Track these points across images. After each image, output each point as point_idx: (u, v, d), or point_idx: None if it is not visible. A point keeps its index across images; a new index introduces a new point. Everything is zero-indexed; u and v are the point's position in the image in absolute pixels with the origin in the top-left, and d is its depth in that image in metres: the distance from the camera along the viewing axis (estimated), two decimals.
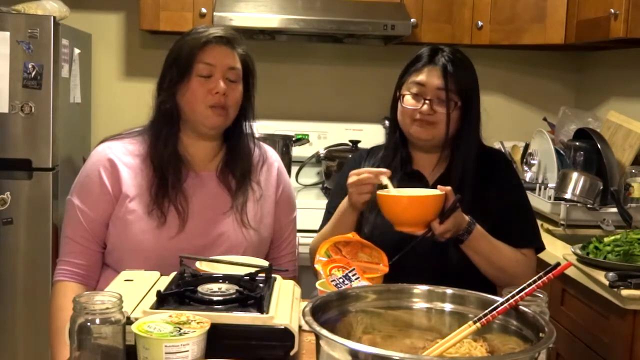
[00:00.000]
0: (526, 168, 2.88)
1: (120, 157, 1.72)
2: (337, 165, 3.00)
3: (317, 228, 1.89)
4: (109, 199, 1.69)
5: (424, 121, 1.73)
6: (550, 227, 2.50)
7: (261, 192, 1.79)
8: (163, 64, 1.74)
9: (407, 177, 1.80)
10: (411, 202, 1.58)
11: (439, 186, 1.61)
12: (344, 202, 1.73)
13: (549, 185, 2.65)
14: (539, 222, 2.20)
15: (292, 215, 1.91)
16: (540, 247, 1.84)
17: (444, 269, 1.64)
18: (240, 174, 1.76)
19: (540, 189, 2.70)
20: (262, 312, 1.24)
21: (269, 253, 1.84)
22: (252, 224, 1.74)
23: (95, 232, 1.70)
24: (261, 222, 1.78)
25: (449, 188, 1.59)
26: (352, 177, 1.66)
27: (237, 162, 1.77)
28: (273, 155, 1.89)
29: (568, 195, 2.50)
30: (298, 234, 2.54)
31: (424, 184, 1.79)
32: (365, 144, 2.02)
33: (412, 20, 2.97)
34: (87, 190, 1.71)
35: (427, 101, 1.72)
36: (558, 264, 1.16)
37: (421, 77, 1.74)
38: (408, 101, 1.75)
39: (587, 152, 2.66)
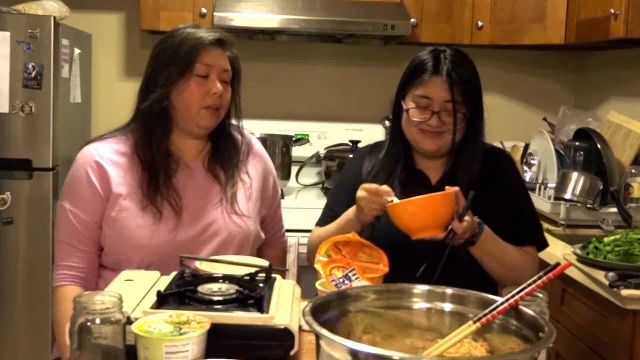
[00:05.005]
0: (526, 168, 2.88)
1: (107, 157, 1.72)
2: (337, 165, 3.00)
3: None
4: (100, 199, 1.69)
5: (433, 132, 1.73)
6: (550, 227, 2.50)
7: (249, 181, 1.82)
8: (152, 61, 1.73)
9: (410, 177, 1.80)
10: (418, 205, 1.56)
11: (446, 187, 1.59)
12: (350, 212, 1.72)
13: (549, 185, 2.65)
14: None
15: (279, 196, 1.97)
16: (544, 244, 1.85)
17: (452, 270, 1.63)
18: (228, 165, 1.79)
19: (540, 189, 2.70)
20: (262, 312, 1.24)
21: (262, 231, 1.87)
22: (244, 212, 1.76)
23: (90, 234, 1.70)
24: (252, 210, 1.79)
25: (456, 188, 1.58)
26: (362, 192, 1.65)
27: (223, 155, 1.80)
28: (257, 144, 1.92)
29: (568, 195, 2.50)
30: (298, 234, 2.56)
31: (427, 183, 1.79)
32: (365, 144, 2.02)
33: (412, 20, 2.97)
34: (76, 193, 1.71)
35: (435, 114, 1.71)
36: (558, 264, 1.17)
37: (427, 90, 1.72)
38: (415, 114, 1.73)
39: (587, 152, 2.66)
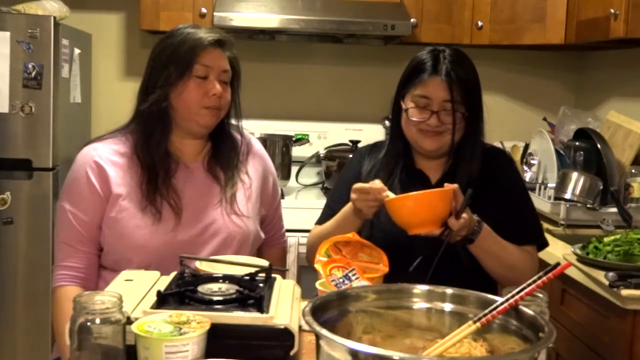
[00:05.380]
0: (526, 168, 2.88)
1: (107, 157, 1.72)
2: (337, 165, 3.00)
3: None
4: (99, 200, 1.69)
5: (432, 132, 1.73)
6: (550, 227, 2.50)
7: (249, 181, 1.82)
8: (152, 62, 1.74)
9: (410, 177, 1.80)
10: (417, 201, 1.56)
11: (445, 184, 1.59)
12: (347, 210, 1.72)
13: (549, 185, 2.65)
14: None
15: (279, 196, 1.98)
16: (544, 244, 1.85)
17: (452, 270, 1.62)
18: (227, 165, 1.79)
19: (540, 189, 2.70)
20: (262, 312, 1.24)
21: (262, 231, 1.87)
22: (243, 212, 1.76)
23: (89, 235, 1.70)
24: (252, 210, 1.80)
25: (455, 185, 1.58)
26: (354, 194, 1.65)
27: (223, 155, 1.80)
28: (257, 144, 1.93)
29: (568, 195, 2.50)
30: (298, 234, 2.56)
31: (427, 183, 1.79)
32: (365, 144, 2.03)
33: (412, 20, 2.97)
34: (76, 193, 1.71)
35: (434, 114, 1.71)
36: (558, 264, 1.17)
37: (426, 89, 1.72)
38: (414, 113, 1.73)
39: (587, 152, 2.66)
